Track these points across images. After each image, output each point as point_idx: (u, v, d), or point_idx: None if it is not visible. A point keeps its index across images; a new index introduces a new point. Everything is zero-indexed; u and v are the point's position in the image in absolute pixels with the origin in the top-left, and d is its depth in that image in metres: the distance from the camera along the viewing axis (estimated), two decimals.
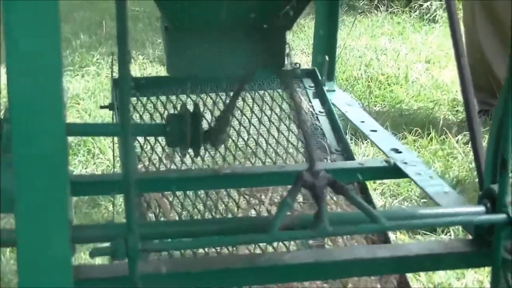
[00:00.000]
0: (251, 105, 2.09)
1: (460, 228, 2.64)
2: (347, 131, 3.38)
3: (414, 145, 3.50)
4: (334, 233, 1.29)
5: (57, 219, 1.02)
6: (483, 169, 1.60)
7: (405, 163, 1.75)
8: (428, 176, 1.71)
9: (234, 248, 1.61)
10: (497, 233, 1.25)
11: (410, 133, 3.59)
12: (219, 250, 1.60)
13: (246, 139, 1.97)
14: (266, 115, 2.07)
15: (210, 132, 1.58)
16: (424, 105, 4.04)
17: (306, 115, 2.02)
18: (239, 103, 2.06)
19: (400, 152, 1.81)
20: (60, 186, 1.00)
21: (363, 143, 3.43)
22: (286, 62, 1.58)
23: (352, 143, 3.43)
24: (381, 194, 3.10)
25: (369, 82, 4.34)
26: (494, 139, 1.61)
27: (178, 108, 1.86)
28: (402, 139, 3.52)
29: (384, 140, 1.91)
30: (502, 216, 1.24)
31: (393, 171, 1.76)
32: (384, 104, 4.09)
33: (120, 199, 2.40)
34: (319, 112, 2.06)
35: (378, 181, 3.16)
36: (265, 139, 1.98)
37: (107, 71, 4.32)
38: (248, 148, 1.94)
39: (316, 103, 2.10)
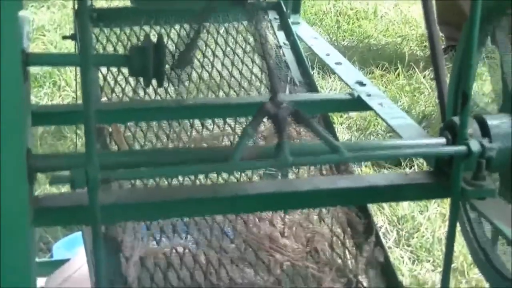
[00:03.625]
0: (215, 37, 2.07)
1: (425, 163, 2.67)
2: (315, 64, 3.38)
3: (382, 80, 3.51)
4: (295, 163, 1.29)
5: (14, 147, 1.01)
6: (445, 102, 1.60)
7: (369, 95, 1.75)
8: (391, 108, 1.71)
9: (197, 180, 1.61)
10: (456, 165, 1.26)
11: (377, 68, 3.60)
12: (181, 182, 1.60)
13: (209, 71, 1.96)
14: (230, 47, 2.05)
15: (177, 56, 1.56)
16: (392, 40, 4.04)
17: (270, 47, 2.00)
18: (204, 35, 2.04)
19: (364, 85, 1.81)
20: (15, 112, 0.99)
21: (330, 77, 3.44)
22: None
23: (319, 77, 3.43)
24: (347, 128, 3.11)
25: (337, 16, 4.32)
26: (457, 72, 1.61)
27: (142, 40, 1.83)
28: (369, 74, 3.53)
29: (348, 73, 1.90)
30: (462, 148, 1.24)
31: (357, 103, 1.75)
32: (352, 38, 4.08)
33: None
34: (284, 44, 2.05)
35: (345, 116, 3.18)
36: (229, 71, 1.96)
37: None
38: (212, 80, 1.93)
39: (281, 35, 2.08)
